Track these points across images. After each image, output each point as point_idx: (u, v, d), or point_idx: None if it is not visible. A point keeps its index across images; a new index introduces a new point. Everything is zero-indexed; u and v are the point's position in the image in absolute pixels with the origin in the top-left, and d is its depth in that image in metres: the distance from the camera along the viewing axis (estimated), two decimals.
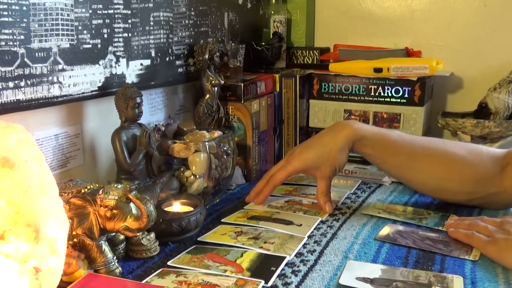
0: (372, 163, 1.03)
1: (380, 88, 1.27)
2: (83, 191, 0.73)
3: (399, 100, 1.26)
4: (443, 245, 0.82)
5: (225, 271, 0.72)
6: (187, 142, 0.96)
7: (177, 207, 0.89)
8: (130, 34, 0.98)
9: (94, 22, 0.90)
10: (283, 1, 1.51)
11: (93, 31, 0.90)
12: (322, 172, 0.96)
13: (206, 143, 0.96)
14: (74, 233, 0.70)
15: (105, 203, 0.69)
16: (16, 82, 0.77)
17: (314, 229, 0.88)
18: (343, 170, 1.03)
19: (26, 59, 0.78)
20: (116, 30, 0.95)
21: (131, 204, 0.70)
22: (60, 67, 0.84)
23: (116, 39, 0.95)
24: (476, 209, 0.98)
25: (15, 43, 0.76)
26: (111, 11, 0.93)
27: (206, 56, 1.09)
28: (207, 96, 1.11)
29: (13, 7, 0.75)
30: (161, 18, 1.06)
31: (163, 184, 0.90)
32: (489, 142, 1.23)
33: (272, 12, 1.47)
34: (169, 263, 0.76)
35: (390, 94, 1.27)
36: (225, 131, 1.05)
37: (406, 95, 1.25)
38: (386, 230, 0.87)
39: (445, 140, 1.08)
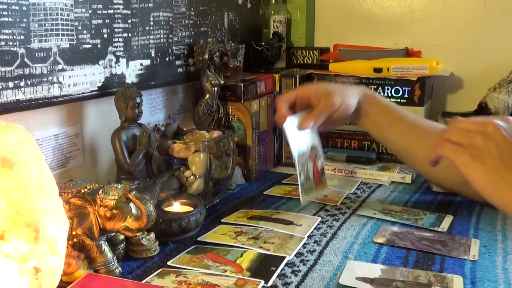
0: (377, 129, 1.02)
1: (380, 88, 1.27)
2: (83, 191, 0.73)
3: (399, 100, 1.26)
4: (441, 245, 0.82)
5: (225, 271, 0.72)
6: (187, 142, 0.96)
7: (177, 207, 0.89)
8: (130, 34, 0.98)
9: (94, 22, 0.90)
10: (283, 1, 1.51)
11: (93, 31, 0.90)
12: (329, 100, 0.94)
13: (206, 143, 0.96)
14: (74, 233, 0.70)
15: (105, 203, 0.69)
16: (16, 82, 0.77)
17: (314, 229, 0.88)
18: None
19: (26, 59, 0.78)
20: (116, 30, 0.95)
21: (131, 204, 0.70)
22: (60, 67, 0.84)
23: (116, 39, 0.95)
24: (476, 209, 0.98)
25: (15, 43, 0.76)
26: (111, 11, 0.93)
27: (206, 56, 1.09)
28: (207, 96, 1.11)
29: (13, 7, 0.75)
30: (161, 18, 1.06)
31: (163, 184, 0.90)
32: None
33: (272, 12, 1.47)
34: (169, 263, 0.76)
35: (390, 94, 1.27)
36: (225, 131, 1.05)
37: (406, 95, 1.25)
38: (382, 232, 0.87)
39: None
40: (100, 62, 0.92)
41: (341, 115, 0.96)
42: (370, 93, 1.02)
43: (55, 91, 0.83)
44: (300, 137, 0.94)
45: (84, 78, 0.89)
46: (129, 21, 0.98)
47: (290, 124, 0.92)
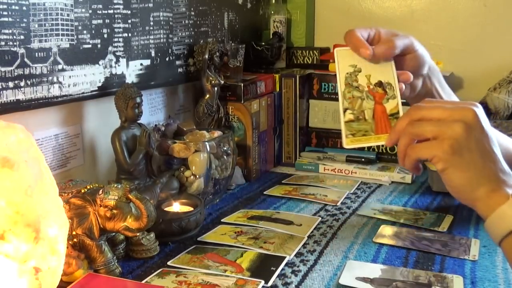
0: None
1: None
2: (83, 191, 0.73)
3: None
4: (441, 245, 0.82)
5: (225, 271, 0.72)
6: (187, 142, 0.96)
7: (177, 207, 0.89)
8: (130, 34, 0.98)
9: (94, 22, 0.90)
10: (283, 1, 1.51)
11: (93, 31, 0.90)
12: (403, 38, 0.79)
13: (206, 143, 0.96)
14: (74, 233, 0.70)
15: (105, 203, 0.69)
16: (16, 82, 0.77)
17: (314, 229, 0.88)
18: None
19: (26, 59, 0.78)
20: (116, 30, 0.95)
21: (131, 204, 0.70)
22: (60, 67, 0.84)
23: (116, 39, 0.95)
24: None
25: (15, 43, 0.76)
26: (111, 11, 0.93)
27: (206, 56, 1.09)
28: (207, 96, 1.11)
29: (13, 7, 0.75)
30: (161, 18, 1.06)
31: (163, 184, 0.90)
32: None
33: (272, 12, 1.47)
34: (169, 263, 0.76)
35: None
36: (225, 131, 1.05)
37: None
38: (382, 232, 0.87)
39: None
40: (100, 62, 0.92)
41: (414, 62, 0.79)
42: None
43: (55, 91, 0.83)
44: (352, 67, 0.76)
45: (84, 78, 0.89)
46: (129, 21, 0.98)
47: (343, 53, 0.76)
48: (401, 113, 0.74)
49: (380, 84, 0.75)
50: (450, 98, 0.87)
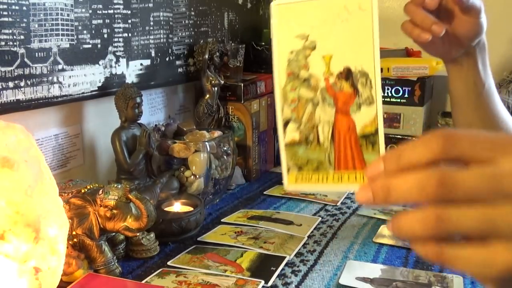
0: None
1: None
2: (83, 191, 0.73)
3: (399, 100, 1.26)
4: None
5: (225, 271, 0.72)
6: (187, 142, 0.96)
7: (177, 207, 0.89)
8: (130, 34, 0.98)
9: (94, 22, 0.90)
10: None
11: (93, 31, 0.90)
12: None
13: (206, 143, 0.96)
14: (74, 233, 0.70)
15: (105, 203, 0.69)
16: (16, 82, 0.77)
17: (314, 229, 0.88)
18: None
19: (26, 59, 0.78)
20: (116, 30, 0.95)
21: (131, 204, 0.70)
22: (60, 67, 0.84)
23: (116, 39, 0.95)
24: None
25: (15, 43, 0.76)
26: (111, 11, 0.93)
27: (206, 56, 1.09)
28: (207, 96, 1.11)
29: (13, 7, 0.75)
30: (161, 18, 1.06)
31: (163, 184, 0.90)
32: None
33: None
34: (169, 263, 0.76)
35: (390, 94, 1.27)
36: (225, 131, 1.05)
37: (406, 95, 1.25)
38: (382, 233, 0.87)
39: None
40: (100, 62, 0.92)
41: (470, 28, 0.70)
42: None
43: (55, 91, 0.83)
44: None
45: (84, 78, 0.89)
46: (129, 21, 0.98)
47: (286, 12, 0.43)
48: (381, 135, 0.41)
49: (347, 74, 0.41)
50: (488, 85, 0.78)
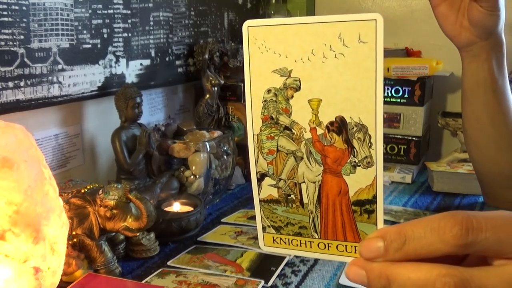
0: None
1: None
2: (83, 191, 0.73)
3: (399, 100, 1.26)
4: None
5: (225, 271, 0.72)
6: (187, 142, 0.96)
7: (177, 207, 0.89)
8: (130, 34, 0.98)
9: (94, 22, 0.90)
10: (283, 1, 1.51)
11: (93, 31, 0.90)
12: None
13: (206, 143, 0.96)
14: (74, 233, 0.70)
15: (105, 203, 0.69)
16: (16, 82, 0.77)
17: None
18: None
19: (26, 59, 0.78)
20: (116, 30, 0.95)
21: (131, 204, 0.70)
22: (60, 67, 0.84)
23: (116, 39, 0.95)
24: (476, 210, 0.98)
25: (15, 43, 0.76)
26: (111, 11, 0.93)
27: (206, 56, 1.09)
28: (207, 96, 1.11)
29: (13, 7, 0.75)
30: (161, 18, 1.06)
31: (163, 184, 0.90)
32: None
33: (272, 12, 1.47)
34: (169, 263, 0.76)
35: (390, 94, 1.27)
36: (225, 131, 1.05)
37: (406, 95, 1.25)
38: None
39: None
40: (100, 62, 0.92)
41: (483, 19, 0.73)
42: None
43: (55, 91, 0.83)
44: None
45: (84, 78, 0.89)
46: (129, 21, 0.98)
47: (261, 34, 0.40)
48: (380, 204, 0.34)
49: (340, 126, 0.32)
50: (502, 84, 0.76)
